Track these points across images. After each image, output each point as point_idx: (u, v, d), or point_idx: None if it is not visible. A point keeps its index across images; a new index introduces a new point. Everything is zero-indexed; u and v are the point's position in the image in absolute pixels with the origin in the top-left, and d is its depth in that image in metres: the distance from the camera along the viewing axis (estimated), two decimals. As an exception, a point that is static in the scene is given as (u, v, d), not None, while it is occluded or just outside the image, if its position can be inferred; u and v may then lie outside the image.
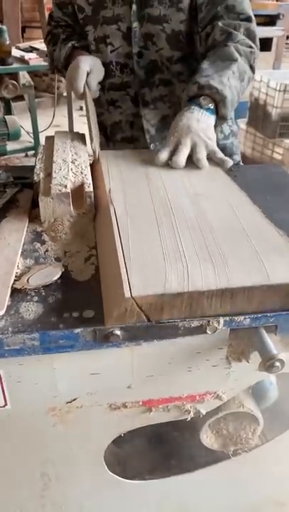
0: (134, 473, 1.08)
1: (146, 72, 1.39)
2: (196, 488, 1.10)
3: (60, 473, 0.98)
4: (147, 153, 1.29)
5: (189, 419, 0.94)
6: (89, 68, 1.31)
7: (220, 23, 1.25)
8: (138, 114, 1.45)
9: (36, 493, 1.01)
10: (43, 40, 4.32)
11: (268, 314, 0.79)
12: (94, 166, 1.19)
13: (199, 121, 1.15)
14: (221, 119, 1.21)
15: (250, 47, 1.26)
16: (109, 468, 0.99)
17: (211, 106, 1.18)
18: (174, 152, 1.15)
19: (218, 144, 1.22)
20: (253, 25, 1.29)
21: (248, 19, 1.28)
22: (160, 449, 1.16)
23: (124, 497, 1.06)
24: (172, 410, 0.92)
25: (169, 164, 1.15)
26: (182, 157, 1.14)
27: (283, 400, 1.18)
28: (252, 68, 1.28)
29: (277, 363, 0.76)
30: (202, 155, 1.14)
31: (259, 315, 0.79)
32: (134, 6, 1.30)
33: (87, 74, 1.31)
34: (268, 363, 0.76)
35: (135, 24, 1.33)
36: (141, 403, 0.89)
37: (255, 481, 1.13)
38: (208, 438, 1.04)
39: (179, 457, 1.13)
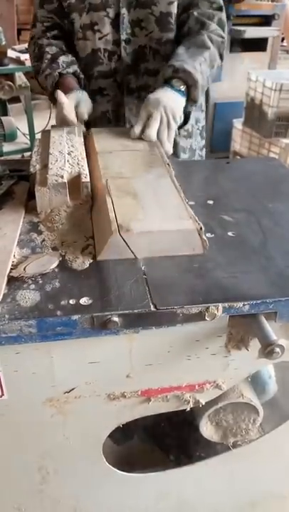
0: (132, 466, 1.06)
1: (133, 59, 1.41)
2: (195, 480, 1.09)
3: (59, 466, 0.97)
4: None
5: (189, 409, 0.93)
6: (74, 104, 1.32)
7: (195, 13, 1.35)
8: (123, 103, 1.46)
9: (34, 487, 1.00)
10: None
11: (268, 301, 0.79)
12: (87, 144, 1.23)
13: (169, 99, 1.22)
14: (191, 101, 1.29)
15: (222, 37, 1.36)
16: (108, 461, 0.98)
17: (182, 88, 1.25)
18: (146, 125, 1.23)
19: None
20: (224, 15, 1.39)
21: (220, 8, 1.38)
22: (159, 441, 1.15)
23: (123, 490, 1.05)
24: (171, 400, 0.91)
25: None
26: (153, 131, 1.21)
27: (282, 392, 1.18)
28: (221, 57, 1.38)
29: (277, 349, 0.75)
30: (154, 130, 1.22)
31: (259, 301, 0.78)
32: None
33: (76, 109, 1.32)
34: (268, 349, 0.76)
35: (123, 10, 1.34)
36: (140, 393, 0.89)
37: (256, 474, 1.12)
38: (207, 429, 1.03)
39: (178, 450, 1.12)
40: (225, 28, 1.39)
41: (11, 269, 0.83)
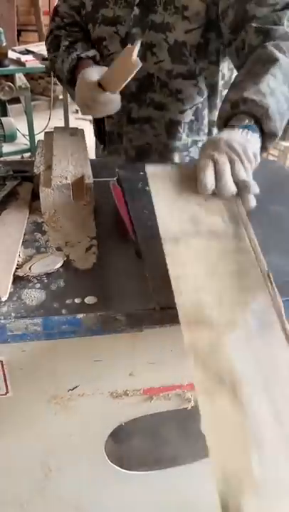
0: (134, 464, 1.08)
1: (138, 86, 1.27)
2: (198, 479, 1.10)
3: (61, 464, 0.98)
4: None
5: (190, 407, 0.94)
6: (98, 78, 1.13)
7: (253, 24, 1.02)
8: (122, 131, 1.38)
9: (37, 485, 1.01)
10: (38, 43, 4.34)
11: (269, 300, 0.80)
12: None
13: (235, 136, 0.87)
14: (268, 136, 0.91)
15: None
16: (110, 459, 0.99)
17: (251, 122, 0.89)
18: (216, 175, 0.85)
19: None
20: None
21: (287, 6, 1.02)
22: (160, 440, 1.16)
23: (125, 488, 1.06)
24: (173, 399, 0.92)
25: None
26: (228, 181, 0.83)
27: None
28: None
29: (278, 348, 0.76)
30: (228, 180, 0.84)
31: (260, 301, 0.79)
32: (136, 9, 1.18)
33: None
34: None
35: (135, 30, 1.20)
36: (142, 391, 0.90)
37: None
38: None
39: (180, 448, 1.13)
40: None
41: (17, 268, 0.85)
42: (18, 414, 0.89)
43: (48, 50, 1.43)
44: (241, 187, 0.84)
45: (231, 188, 0.83)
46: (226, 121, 0.93)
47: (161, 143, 1.36)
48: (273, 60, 0.94)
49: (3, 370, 0.82)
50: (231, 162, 0.84)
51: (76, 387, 0.86)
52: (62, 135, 1.27)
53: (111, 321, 0.76)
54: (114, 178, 1.21)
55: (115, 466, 1.01)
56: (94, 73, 1.14)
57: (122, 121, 1.35)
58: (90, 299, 0.78)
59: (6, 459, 0.96)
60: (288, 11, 1.02)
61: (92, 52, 1.26)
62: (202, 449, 1.08)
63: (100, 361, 0.84)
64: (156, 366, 0.87)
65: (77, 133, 1.31)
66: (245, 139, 0.87)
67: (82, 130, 1.35)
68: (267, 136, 0.92)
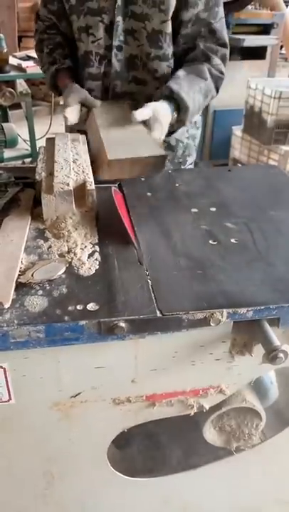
0: (136, 470, 1.07)
1: (123, 66, 1.45)
2: (199, 485, 1.10)
3: (63, 471, 0.98)
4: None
5: (192, 414, 0.94)
6: (79, 102, 1.38)
7: (201, 45, 1.42)
8: None
9: (39, 492, 1.01)
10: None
11: (271, 307, 0.80)
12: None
13: (164, 116, 1.32)
14: (179, 122, 1.39)
15: (221, 72, 1.45)
16: (112, 465, 0.99)
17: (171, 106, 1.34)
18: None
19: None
20: (227, 51, 1.47)
21: (225, 45, 1.46)
22: (162, 446, 1.16)
23: (127, 494, 1.06)
24: (176, 405, 0.92)
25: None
26: (157, 133, 1.29)
27: (283, 398, 1.19)
28: (217, 90, 1.49)
29: (281, 354, 0.77)
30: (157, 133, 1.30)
31: (262, 307, 0.80)
32: (119, 1, 1.36)
33: (81, 105, 1.40)
34: (272, 354, 0.77)
35: (118, 18, 1.38)
36: (144, 398, 0.90)
37: (259, 479, 1.13)
38: (211, 434, 1.04)
39: (182, 455, 1.13)
40: (226, 63, 1.47)
41: (19, 275, 0.85)
42: (21, 421, 0.89)
43: (36, 51, 1.65)
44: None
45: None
46: (161, 98, 1.34)
47: None
48: (204, 78, 1.41)
49: (6, 377, 0.82)
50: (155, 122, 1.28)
51: (79, 393, 0.86)
52: (63, 141, 1.27)
53: (113, 328, 0.76)
54: (116, 184, 1.22)
55: (118, 473, 1.01)
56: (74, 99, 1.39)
57: (104, 98, 1.49)
58: (92, 306, 0.78)
59: (8, 465, 0.95)
60: (224, 49, 1.45)
61: (67, 64, 1.51)
62: (203, 456, 1.08)
63: (102, 368, 0.84)
64: (159, 372, 0.87)
65: (79, 139, 1.31)
66: (166, 119, 1.32)
67: (83, 136, 1.35)
68: (178, 120, 1.38)
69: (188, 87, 1.36)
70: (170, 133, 1.45)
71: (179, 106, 1.34)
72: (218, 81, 1.46)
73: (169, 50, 1.43)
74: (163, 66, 1.44)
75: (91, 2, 1.38)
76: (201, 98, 1.41)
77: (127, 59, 1.44)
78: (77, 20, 1.43)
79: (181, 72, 1.39)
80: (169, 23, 1.39)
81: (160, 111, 1.30)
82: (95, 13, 1.39)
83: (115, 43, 1.41)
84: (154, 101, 1.34)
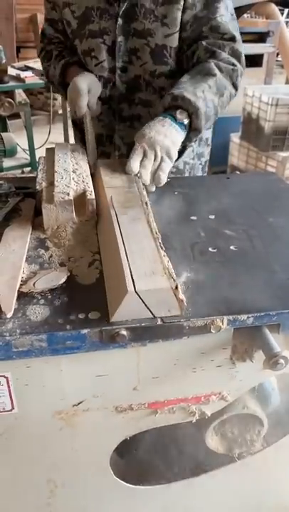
0: (138, 478, 1.07)
1: (127, 88, 1.40)
2: (201, 493, 1.10)
3: (66, 479, 0.98)
4: None
5: (194, 421, 0.94)
6: (87, 87, 1.31)
7: (204, 42, 1.28)
8: (115, 129, 1.46)
9: (42, 501, 1.00)
10: (37, 60, 4.38)
11: (271, 313, 0.81)
12: (93, 176, 1.21)
13: (166, 137, 1.14)
14: (194, 131, 1.20)
15: (233, 65, 1.28)
16: (115, 474, 0.99)
17: (186, 121, 1.17)
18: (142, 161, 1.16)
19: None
20: (238, 45, 1.31)
21: (233, 39, 1.30)
22: (165, 453, 1.16)
23: (130, 503, 1.06)
24: (178, 412, 0.93)
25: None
26: (147, 172, 1.16)
27: (285, 404, 1.19)
28: (234, 85, 1.29)
29: (282, 360, 0.77)
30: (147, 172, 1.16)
31: (262, 313, 0.80)
32: (120, 20, 1.31)
33: (88, 92, 1.31)
34: (272, 360, 0.78)
35: (120, 38, 1.34)
36: (147, 405, 0.90)
37: (263, 485, 1.13)
38: (213, 441, 1.04)
39: (184, 462, 1.13)
40: (241, 58, 1.31)
41: (21, 284, 0.86)
42: (24, 430, 0.89)
43: (42, 62, 1.59)
44: (156, 178, 1.16)
45: (147, 179, 1.16)
46: (165, 109, 1.20)
47: None
48: (212, 74, 1.22)
49: (9, 387, 0.82)
50: (156, 159, 1.15)
51: (81, 402, 0.87)
52: (63, 151, 1.28)
53: (115, 336, 0.76)
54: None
55: (120, 481, 1.01)
56: (82, 81, 1.31)
57: (113, 122, 1.46)
58: (93, 314, 0.79)
59: (11, 474, 0.95)
60: (232, 43, 1.30)
61: (77, 58, 1.44)
62: (205, 464, 1.08)
63: (104, 376, 0.85)
64: (160, 380, 0.87)
65: (79, 149, 1.33)
66: (174, 139, 1.15)
67: (83, 146, 1.37)
68: (192, 130, 1.19)
69: (194, 87, 1.18)
70: (181, 151, 1.24)
71: (187, 111, 1.16)
72: (232, 75, 1.27)
73: (175, 66, 1.35)
74: (170, 84, 1.32)
75: (92, 24, 1.35)
76: (212, 96, 1.20)
77: (132, 80, 1.39)
78: (80, 44, 1.40)
79: (183, 78, 1.24)
80: (175, 36, 1.31)
81: (156, 138, 1.13)
82: (96, 35, 1.35)
83: (118, 64, 1.37)
84: (157, 115, 1.19)
